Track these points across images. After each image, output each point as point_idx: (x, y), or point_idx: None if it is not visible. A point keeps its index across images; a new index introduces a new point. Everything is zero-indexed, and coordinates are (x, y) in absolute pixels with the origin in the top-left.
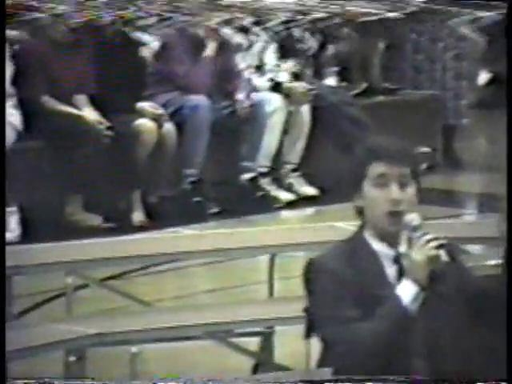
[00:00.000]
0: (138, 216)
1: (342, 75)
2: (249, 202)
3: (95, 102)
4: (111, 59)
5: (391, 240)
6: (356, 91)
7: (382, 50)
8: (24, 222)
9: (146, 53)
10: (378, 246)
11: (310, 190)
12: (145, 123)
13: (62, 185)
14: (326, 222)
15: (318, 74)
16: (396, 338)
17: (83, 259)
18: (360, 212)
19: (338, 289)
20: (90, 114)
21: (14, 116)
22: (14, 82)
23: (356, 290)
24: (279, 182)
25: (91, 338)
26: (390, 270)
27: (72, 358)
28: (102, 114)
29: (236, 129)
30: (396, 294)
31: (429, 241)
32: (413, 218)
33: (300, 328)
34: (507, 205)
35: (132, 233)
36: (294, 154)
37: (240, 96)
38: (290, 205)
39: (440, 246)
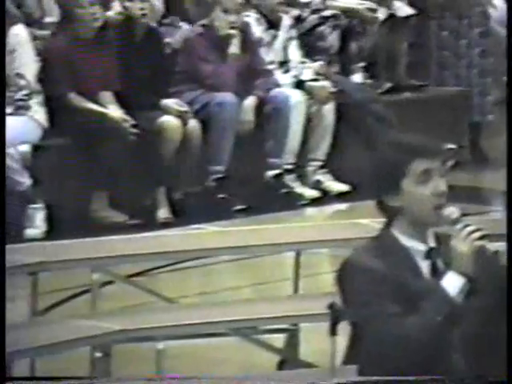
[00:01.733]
0: (163, 213)
1: (369, 72)
2: (274, 199)
3: (120, 99)
4: (137, 56)
5: (421, 236)
6: (382, 88)
7: (407, 46)
8: (50, 219)
9: (171, 50)
10: (408, 242)
11: (340, 187)
12: (169, 120)
13: (87, 182)
14: (351, 219)
15: (344, 71)
16: (444, 330)
17: (109, 256)
18: (390, 211)
19: (378, 286)
20: (115, 111)
21: (39, 113)
22: (40, 79)
23: (394, 286)
24: (304, 179)
25: (117, 334)
26: (423, 265)
27: (98, 355)
28: (127, 112)
29: (261, 125)
30: (442, 287)
31: (471, 232)
32: (452, 211)
33: (325, 325)
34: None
35: (157, 229)
36: (321, 151)
37: (264, 92)
38: (315, 202)
39: (483, 237)
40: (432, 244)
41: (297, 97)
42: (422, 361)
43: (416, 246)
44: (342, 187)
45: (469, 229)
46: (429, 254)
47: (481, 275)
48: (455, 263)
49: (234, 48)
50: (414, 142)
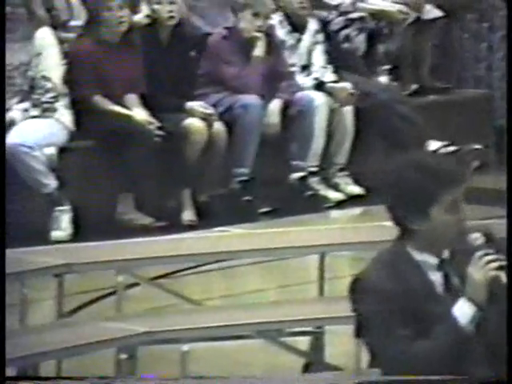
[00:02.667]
0: (187, 215)
1: (394, 74)
2: (298, 202)
3: (146, 102)
4: (162, 58)
5: (436, 250)
6: (408, 90)
7: (432, 48)
8: (76, 221)
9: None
10: (420, 257)
11: (357, 190)
12: (194, 123)
13: (113, 184)
14: (375, 221)
15: (370, 73)
16: (452, 357)
17: (134, 258)
18: (409, 231)
19: (388, 308)
20: (140, 113)
21: (65, 116)
22: (66, 82)
23: (405, 305)
24: (328, 182)
25: (142, 336)
26: (435, 278)
27: (123, 357)
28: (153, 114)
29: (286, 128)
30: (453, 315)
31: (490, 261)
32: (477, 237)
33: (350, 328)
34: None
35: (182, 232)
36: (341, 154)
37: (289, 95)
38: (340, 204)
39: (500, 268)
40: (445, 256)
41: (320, 99)
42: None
43: (428, 260)
44: (358, 190)
45: (488, 258)
46: (441, 266)
47: (490, 305)
48: (468, 290)
49: (259, 51)
50: (447, 168)
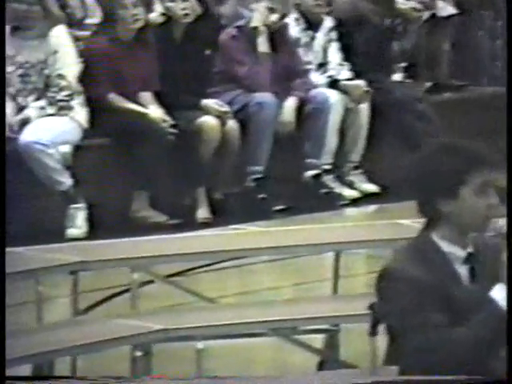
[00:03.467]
0: (202, 213)
1: (409, 71)
2: (313, 199)
3: (160, 99)
4: (177, 56)
5: (461, 241)
6: (423, 88)
7: (448, 45)
8: (91, 219)
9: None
10: (447, 248)
11: (371, 187)
12: (209, 120)
13: (127, 182)
14: (390, 219)
15: (385, 70)
16: (495, 342)
17: (149, 255)
18: (435, 215)
19: (419, 296)
20: (155, 111)
21: (80, 114)
22: (81, 80)
23: (434, 294)
24: (343, 180)
25: (157, 333)
26: (461, 271)
27: (138, 354)
28: (167, 112)
29: (300, 126)
30: (491, 298)
31: None
32: (503, 224)
33: (365, 326)
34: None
35: (197, 229)
36: (356, 152)
37: (303, 93)
38: (355, 202)
39: None
40: (470, 249)
41: (334, 97)
42: (470, 371)
43: (455, 252)
44: (372, 188)
45: None
46: (468, 260)
47: None
48: (504, 275)
49: (263, 47)
50: (478, 149)
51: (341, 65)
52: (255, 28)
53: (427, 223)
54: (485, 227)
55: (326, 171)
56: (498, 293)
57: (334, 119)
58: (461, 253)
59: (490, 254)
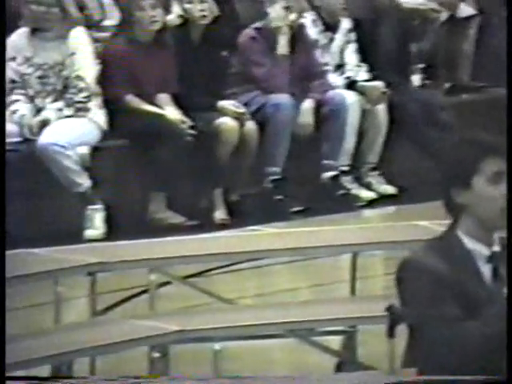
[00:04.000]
0: (219, 214)
1: (428, 73)
2: (330, 201)
3: (178, 101)
4: (194, 58)
5: (487, 239)
6: (442, 90)
7: (468, 46)
8: (109, 220)
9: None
10: (472, 245)
11: (389, 189)
12: (227, 122)
13: (145, 183)
14: (407, 220)
15: (403, 72)
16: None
17: (166, 257)
18: (456, 209)
19: (437, 288)
20: (172, 112)
21: (98, 115)
22: (99, 82)
23: (454, 288)
24: (360, 181)
25: (174, 334)
26: (484, 269)
27: (156, 355)
28: (185, 113)
29: (318, 127)
30: (504, 294)
31: None
32: None
33: (383, 327)
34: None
35: (214, 231)
36: (373, 153)
37: (320, 94)
38: (372, 203)
39: None
40: (496, 248)
41: (352, 98)
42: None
43: (479, 250)
44: (391, 189)
45: None
46: (491, 259)
47: None
48: None
49: (283, 49)
50: (489, 139)
51: (358, 66)
52: (277, 28)
53: (453, 220)
54: (501, 220)
55: (344, 172)
56: None
57: (351, 120)
58: (484, 251)
59: None
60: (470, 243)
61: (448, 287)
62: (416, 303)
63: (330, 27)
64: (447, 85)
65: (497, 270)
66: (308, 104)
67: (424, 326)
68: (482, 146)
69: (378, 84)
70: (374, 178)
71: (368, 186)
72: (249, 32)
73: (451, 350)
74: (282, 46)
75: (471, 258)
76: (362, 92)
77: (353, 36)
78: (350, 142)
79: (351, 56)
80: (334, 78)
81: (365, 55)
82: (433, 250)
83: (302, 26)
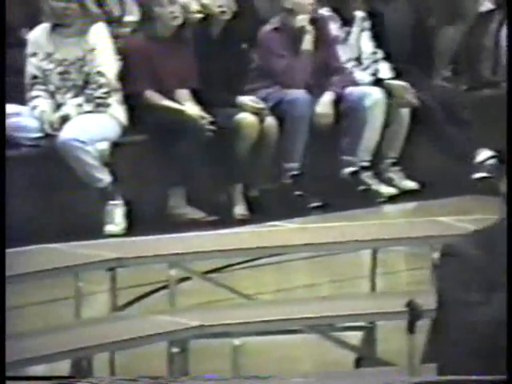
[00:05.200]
0: (239, 210)
1: (450, 69)
2: (350, 196)
3: (198, 96)
4: (214, 53)
5: None
6: (464, 85)
7: (489, 41)
8: (129, 215)
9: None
10: None
11: (411, 184)
12: (246, 117)
13: (165, 178)
14: (427, 216)
15: (424, 69)
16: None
17: (186, 252)
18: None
19: (470, 274)
20: (192, 108)
21: (118, 111)
22: (119, 77)
23: (487, 276)
24: (381, 177)
25: (194, 330)
26: None
27: (175, 350)
28: (204, 109)
29: (337, 122)
30: None
31: None
32: None
33: (402, 323)
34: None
35: (233, 226)
36: (395, 149)
37: (340, 90)
38: (392, 199)
39: None
40: None
41: (374, 94)
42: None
43: None
44: (412, 185)
45: None
46: None
47: None
48: None
49: (307, 44)
50: None
51: (374, 53)
52: (298, 24)
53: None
54: None
55: (364, 168)
56: None
57: (372, 116)
58: None
59: None
60: None
61: (480, 275)
62: (445, 287)
63: (347, 21)
64: (470, 80)
65: None
66: (327, 96)
67: (448, 311)
68: None
69: (404, 84)
70: (395, 174)
71: (389, 182)
72: (271, 24)
73: (463, 334)
74: (307, 41)
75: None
76: (386, 89)
77: (367, 24)
78: (371, 137)
79: (366, 43)
80: (358, 73)
81: (385, 50)
82: (474, 238)
83: (322, 21)
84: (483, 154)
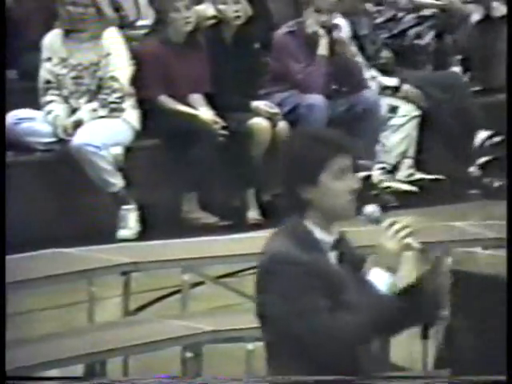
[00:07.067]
0: (252, 214)
1: (464, 73)
2: (364, 201)
3: (211, 101)
4: (228, 58)
5: (328, 228)
6: (477, 88)
7: (502, 46)
8: (142, 220)
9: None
10: (319, 234)
11: (407, 188)
12: (259, 122)
13: (178, 183)
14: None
15: (437, 70)
16: (380, 326)
17: (199, 257)
18: (301, 203)
19: (307, 279)
20: (205, 113)
21: (132, 115)
22: (133, 82)
23: (316, 278)
24: (396, 177)
25: (207, 334)
26: (331, 256)
27: (189, 355)
28: (218, 113)
29: (352, 127)
30: (371, 282)
31: (398, 230)
32: (373, 209)
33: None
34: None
35: (247, 231)
36: (410, 151)
37: (355, 95)
38: (405, 204)
39: (410, 234)
40: (336, 236)
41: (389, 100)
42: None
43: (324, 238)
44: (410, 188)
45: (395, 227)
46: (335, 245)
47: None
48: (382, 260)
49: (323, 49)
50: (335, 138)
51: (389, 58)
52: (316, 31)
53: (299, 212)
54: (348, 212)
55: (378, 171)
56: (375, 276)
57: (386, 120)
58: (329, 239)
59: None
60: (317, 233)
61: (311, 277)
62: (287, 297)
63: (355, 24)
64: (482, 84)
65: (342, 256)
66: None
67: (297, 319)
68: (328, 145)
69: (418, 91)
70: (411, 173)
71: (404, 182)
72: (286, 27)
73: (319, 341)
74: (322, 46)
75: (321, 247)
76: (402, 96)
77: (379, 31)
78: (389, 141)
79: (381, 49)
80: (373, 80)
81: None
82: (291, 242)
83: (336, 26)
84: (481, 136)
